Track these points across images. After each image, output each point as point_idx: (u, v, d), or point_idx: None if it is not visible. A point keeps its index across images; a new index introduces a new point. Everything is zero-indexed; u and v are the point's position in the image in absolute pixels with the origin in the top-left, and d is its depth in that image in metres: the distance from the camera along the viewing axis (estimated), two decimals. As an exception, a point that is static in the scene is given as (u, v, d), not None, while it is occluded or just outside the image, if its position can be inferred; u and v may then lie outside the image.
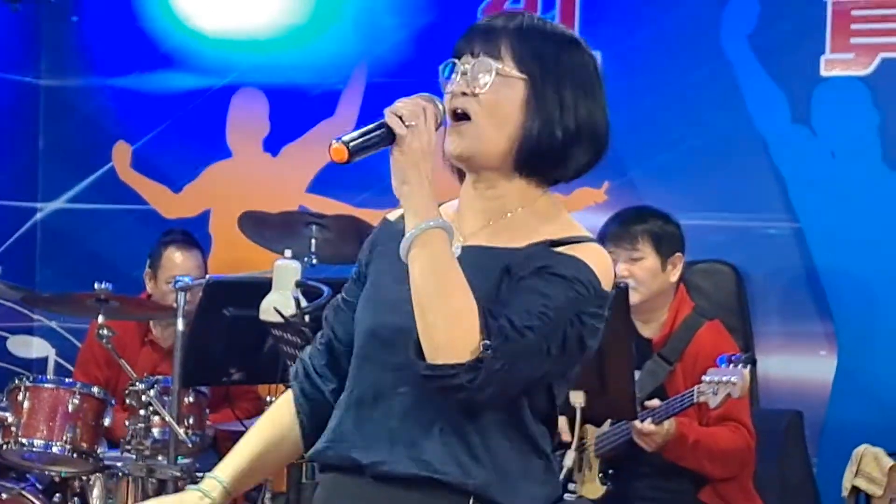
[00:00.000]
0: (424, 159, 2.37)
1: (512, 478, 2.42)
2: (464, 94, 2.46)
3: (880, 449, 5.07)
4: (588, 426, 4.66)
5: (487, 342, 2.30)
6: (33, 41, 6.96)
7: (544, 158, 2.48)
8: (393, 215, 2.64)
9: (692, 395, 4.38)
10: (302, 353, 2.70)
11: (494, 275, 2.42)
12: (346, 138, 2.36)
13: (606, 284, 2.45)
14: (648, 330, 4.72)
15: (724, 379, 4.33)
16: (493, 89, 2.45)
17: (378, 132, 2.38)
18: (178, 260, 5.71)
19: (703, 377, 4.37)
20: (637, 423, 4.40)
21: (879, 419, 5.17)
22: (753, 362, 4.51)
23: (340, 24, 6.47)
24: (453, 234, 2.39)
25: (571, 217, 2.56)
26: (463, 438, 2.39)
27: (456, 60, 2.50)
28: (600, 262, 2.45)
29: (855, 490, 5.08)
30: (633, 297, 4.64)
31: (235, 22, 6.66)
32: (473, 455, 2.40)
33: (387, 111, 2.38)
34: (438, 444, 2.39)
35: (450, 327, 2.31)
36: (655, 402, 4.46)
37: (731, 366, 4.36)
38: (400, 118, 2.37)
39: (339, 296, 2.66)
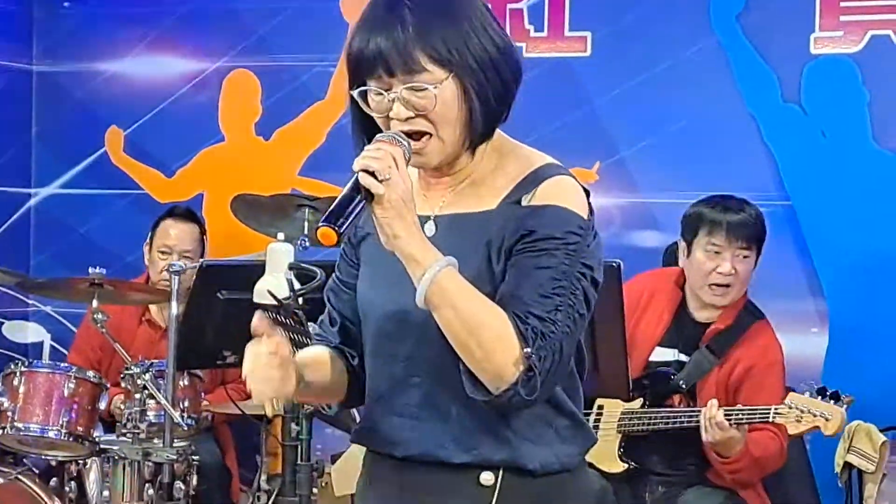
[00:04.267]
0: (407, 207, 2.30)
1: (534, 444, 2.44)
2: (409, 118, 2.38)
3: (872, 425, 5.07)
4: (606, 401, 4.66)
5: (528, 350, 2.30)
6: (25, 26, 6.95)
7: (492, 123, 2.45)
8: None
9: (768, 413, 4.34)
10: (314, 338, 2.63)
11: (479, 248, 2.40)
12: (334, 221, 2.26)
13: (585, 213, 2.42)
14: (703, 314, 4.72)
15: (816, 412, 4.25)
16: (437, 101, 2.37)
17: (358, 198, 2.28)
18: (171, 231, 5.76)
19: (787, 401, 4.30)
20: (712, 411, 4.34)
21: (871, 396, 5.17)
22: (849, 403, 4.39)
23: (330, 4, 6.47)
24: (457, 266, 2.33)
25: (518, 144, 2.52)
26: (480, 417, 2.41)
27: (374, 85, 2.38)
28: (573, 197, 2.41)
29: (847, 466, 5.08)
30: (727, 298, 4.63)
31: (226, 4, 6.66)
32: (493, 431, 2.42)
33: (357, 169, 2.29)
34: (458, 428, 2.43)
35: (493, 356, 2.30)
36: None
37: (824, 399, 4.26)
38: (373, 175, 2.28)
39: (334, 277, 2.65)
